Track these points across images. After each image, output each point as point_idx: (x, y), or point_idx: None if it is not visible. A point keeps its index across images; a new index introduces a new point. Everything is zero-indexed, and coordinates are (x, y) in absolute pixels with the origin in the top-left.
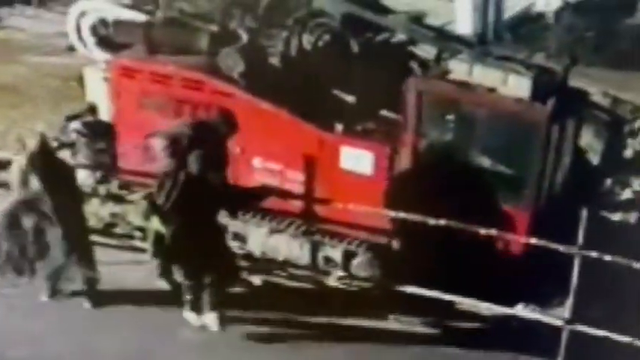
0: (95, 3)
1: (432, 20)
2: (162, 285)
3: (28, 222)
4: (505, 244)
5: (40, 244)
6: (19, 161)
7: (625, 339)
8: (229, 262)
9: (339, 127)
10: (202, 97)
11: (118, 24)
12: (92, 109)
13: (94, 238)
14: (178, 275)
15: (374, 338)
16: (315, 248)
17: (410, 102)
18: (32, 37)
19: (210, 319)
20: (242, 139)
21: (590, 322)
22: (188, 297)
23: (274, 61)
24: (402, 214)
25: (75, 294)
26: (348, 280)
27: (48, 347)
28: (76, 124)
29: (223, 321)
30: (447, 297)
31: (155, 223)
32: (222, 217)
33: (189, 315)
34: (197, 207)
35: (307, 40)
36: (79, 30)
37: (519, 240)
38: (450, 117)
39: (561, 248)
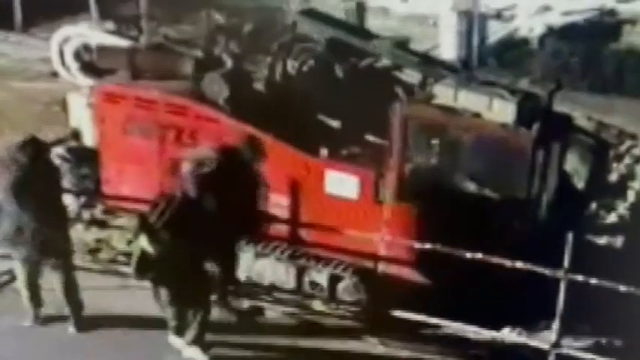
0: (79, 29)
1: (416, 45)
2: (148, 310)
3: None
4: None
5: None
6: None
7: None
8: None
9: (324, 151)
10: (187, 123)
11: (102, 49)
12: (76, 135)
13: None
14: (163, 297)
15: None
16: (300, 272)
17: (395, 127)
18: (15, 62)
19: (195, 353)
20: None
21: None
22: (173, 322)
23: (259, 86)
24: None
25: (59, 319)
26: (334, 304)
27: None
28: (59, 150)
29: (207, 351)
30: (433, 321)
31: (142, 241)
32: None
33: (174, 340)
34: (189, 230)
35: (292, 65)
36: (62, 55)
37: (504, 264)
38: (435, 142)
39: (547, 272)
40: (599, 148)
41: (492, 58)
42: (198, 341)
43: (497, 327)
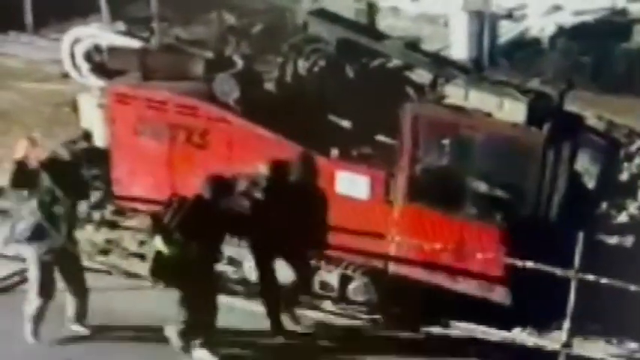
0: (90, 29)
1: (427, 45)
2: (159, 311)
3: None
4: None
5: None
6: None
7: None
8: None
9: (334, 152)
10: (198, 123)
11: (113, 50)
12: (86, 136)
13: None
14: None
15: None
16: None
17: (406, 127)
18: (25, 63)
19: (204, 354)
20: (237, 164)
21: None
22: (181, 325)
23: (270, 86)
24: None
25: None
26: (344, 304)
27: None
28: None
29: (216, 353)
30: (443, 320)
31: (157, 242)
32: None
33: (174, 340)
34: (202, 232)
35: (302, 66)
36: (73, 56)
37: (515, 263)
38: (446, 141)
39: (558, 272)
40: (609, 147)
41: (503, 58)
42: (207, 343)
43: (508, 327)
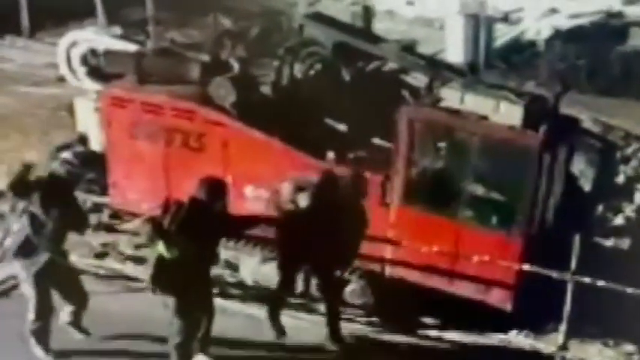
0: (86, 33)
1: (423, 49)
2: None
3: None
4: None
5: None
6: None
7: None
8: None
9: (330, 155)
10: (194, 127)
11: (109, 54)
12: (83, 139)
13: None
14: (171, 306)
15: None
16: (307, 276)
17: (402, 130)
18: (21, 67)
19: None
20: (233, 167)
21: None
22: (177, 338)
23: (266, 90)
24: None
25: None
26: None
27: None
28: (66, 154)
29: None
30: (440, 324)
31: (160, 247)
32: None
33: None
34: (200, 234)
35: (299, 69)
36: (69, 60)
37: (513, 266)
38: (442, 145)
39: (554, 274)
40: (605, 150)
41: (499, 61)
42: (205, 348)
43: (505, 330)
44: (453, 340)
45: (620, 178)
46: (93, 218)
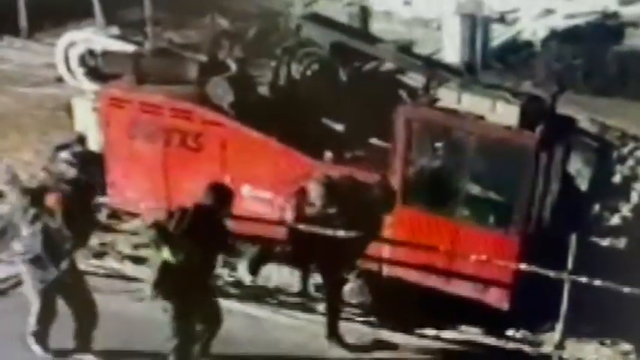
0: (84, 34)
1: (420, 49)
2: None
3: None
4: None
5: None
6: None
7: None
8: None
9: (328, 154)
10: (192, 127)
11: (107, 54)
12: (81, 139)
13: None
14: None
15: None
16: (305, 275)
17: (399, 130)
18: (20, 68)
19: None
20: (231, 167)
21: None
22: (175, 341)
23: (263, 90)
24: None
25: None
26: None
27: None
28: (65, 154)
29: None
30: (436, 323)
31: (164, 252)
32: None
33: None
34: (204, 240)
35: (296, 70)
36: (67, 61)
37: (509, 266)
38: (439, 144)
39: (551, 274)
40: (602, 150)
41: (496, 61)
42: (205, 354)
43: (502, 330)
44: (450, 339)
45: (617, 178)
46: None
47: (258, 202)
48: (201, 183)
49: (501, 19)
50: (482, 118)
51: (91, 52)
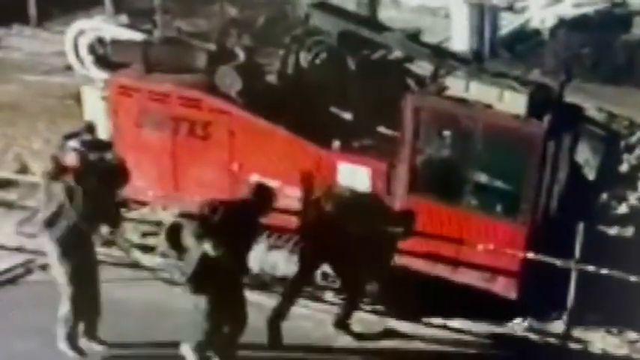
0: (93, 22)
1: (428, 37)
2: (163, 302)
3: None
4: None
5: None
6: None
7: (622, 352)
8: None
9: (336, 143)
10: (200, 115)
11: (116, 43)
12: (90, 128)
13: None
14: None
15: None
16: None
17: (407, 118)
18: (29, 56)
19: None
20: (239, 156)
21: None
22: (203, 336)
23: (272, 78)
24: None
25: None
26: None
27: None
28: (74, 143)
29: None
30: (444, 311)
31: (207, 245)
32: None
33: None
34: (241, 237)
35: (304, 58)
36: (76, 49)
37: (517, 255)
38: (447, 133)
39: (558, 262)
40: (610, 138)
41: (504, 50)
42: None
43: (509, 319)
44: (457, 328)
45: (624, 167)
46: None
47: None
48: (210, 171)
49: (510, 7)
50: (490, 106)
51: (100, 41)
